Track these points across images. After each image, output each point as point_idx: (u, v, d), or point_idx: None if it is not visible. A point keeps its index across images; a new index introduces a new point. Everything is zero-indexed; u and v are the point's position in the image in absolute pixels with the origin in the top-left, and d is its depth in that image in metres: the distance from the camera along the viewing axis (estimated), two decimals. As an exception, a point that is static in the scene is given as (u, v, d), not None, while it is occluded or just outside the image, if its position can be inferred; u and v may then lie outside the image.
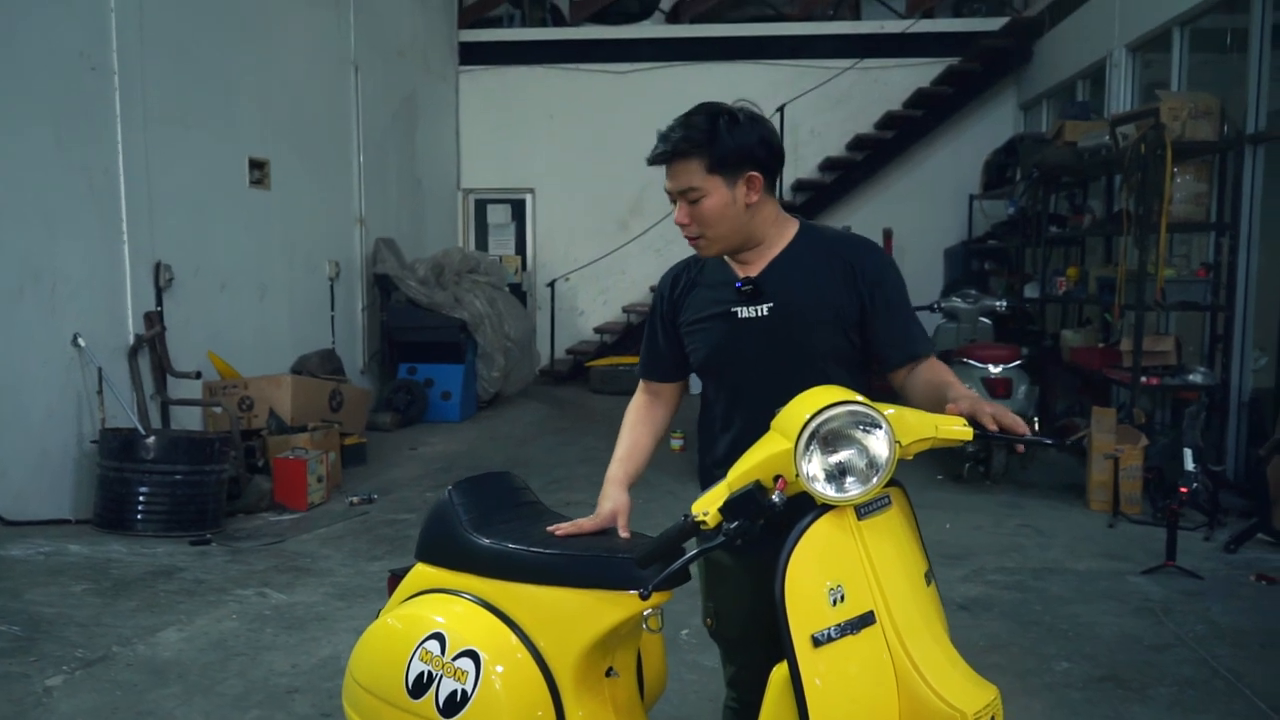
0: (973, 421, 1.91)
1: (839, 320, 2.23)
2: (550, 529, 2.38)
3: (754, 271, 2.26)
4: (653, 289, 7.20)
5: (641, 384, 2.55)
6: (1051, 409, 8.24)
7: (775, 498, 1.82)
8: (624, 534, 2.34)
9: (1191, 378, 6.52)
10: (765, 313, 2.23)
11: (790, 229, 2.29)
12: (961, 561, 5.30)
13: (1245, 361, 6.62)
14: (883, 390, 2.19)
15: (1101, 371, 7.13)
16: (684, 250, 2.44)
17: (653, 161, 2.23)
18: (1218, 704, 3.66)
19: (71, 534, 5.59)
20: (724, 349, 2.28)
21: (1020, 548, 5.58)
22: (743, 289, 2.23)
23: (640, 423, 2.52)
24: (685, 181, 2.17)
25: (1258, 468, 5.79)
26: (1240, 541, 5.44)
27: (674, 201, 2.24)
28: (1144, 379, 6.48)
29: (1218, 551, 5.42)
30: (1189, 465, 5.66)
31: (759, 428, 1.95)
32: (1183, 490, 5.30)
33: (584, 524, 2.37)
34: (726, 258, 2.32)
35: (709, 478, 2.23)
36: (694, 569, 2.41)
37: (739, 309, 2.25)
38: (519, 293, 11.80)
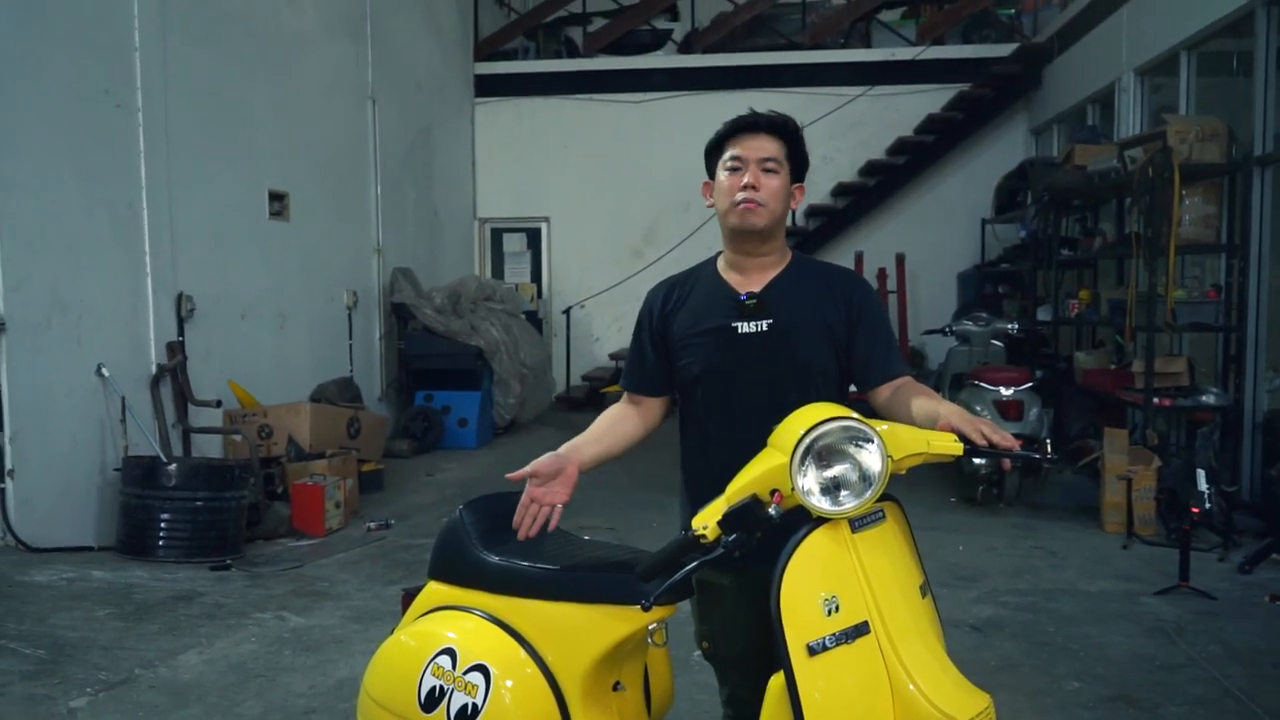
0: (963, 437, 1.96)
1: (831, 341, 2.33)
2: (508, 476, 2.36)
3: (755, 287, 2.34)
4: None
5: (625, 396, 2.57)
6: (1065, 431, 8.24)
7: (772, 510, 1.88)
8: (558, 500, 2.34)
9: (1204, 399, 6.52)
10: (765, 329, 2.30)
11: (788, 255, 2.42)
12: (974, 583, 5.31)
13: (1258, 382, 6.61)
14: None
15: (1114, 393, 7.13)
16: None
17: (747, 122, 2.32)
18: (1228, 723, 3.67)
19: (95, 560, 5.69)
20: (722, 363, 2.33)
21: (1033, 569, 5.58)
22: (747, 303, 2.31)
23: (621, 420, 2.51)
24: (769, 152, 2.29)
25: (1272, 488, 5.79)
26: (1255, 562, 5.42)
27: (730, 172, 2.31)
28: (1156, 400, 6.49)
29: (1232, 572, 5.40)
30: (1202, 486, 5.67)
31: (754, 443, 2.00)
32: (1194, 510, 5.31)
33: (537, 464, 2.35)
34: (724, 273, 2.40)
35: (699, 493, 2.21)
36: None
37: (739, 324, 2.31)
38: (534, 320, 11.91)
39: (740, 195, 2.27)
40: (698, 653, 4.24)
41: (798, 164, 2.34)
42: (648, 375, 2.49)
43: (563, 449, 2.40)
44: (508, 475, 2.38)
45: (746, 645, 2.29)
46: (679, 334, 2.39)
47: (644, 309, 2.50)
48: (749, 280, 2.35)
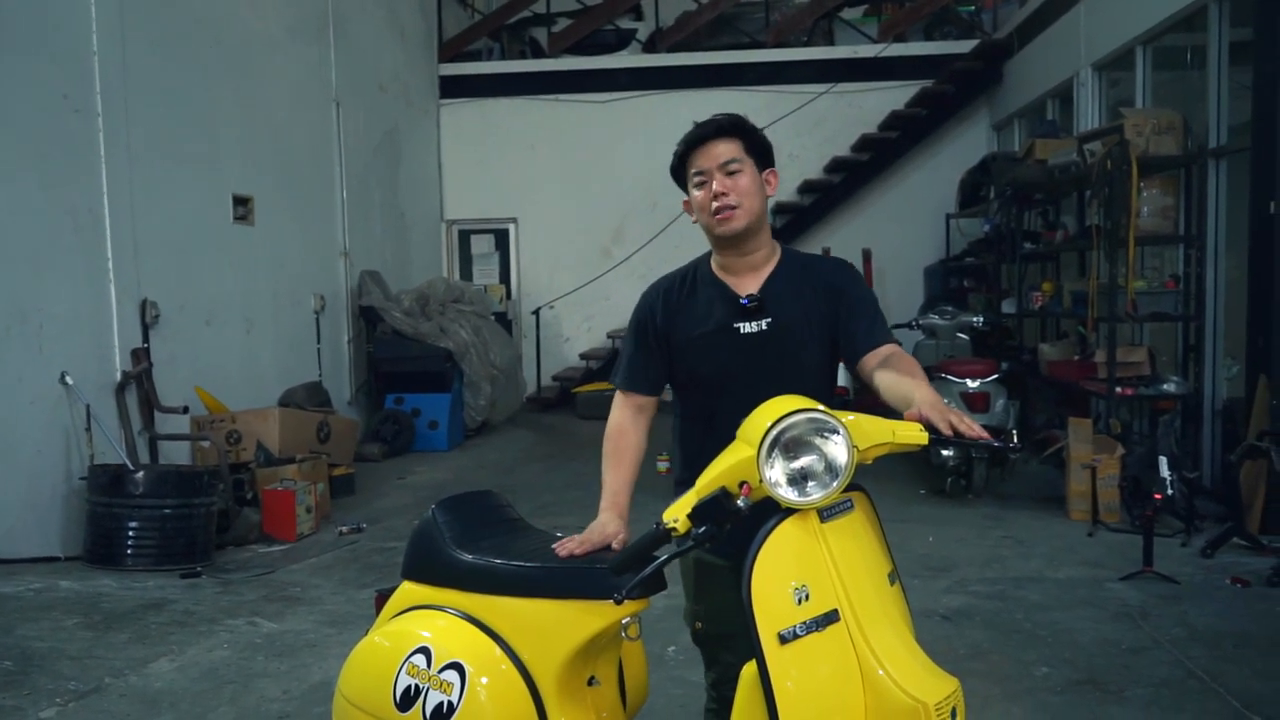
0: (929, 427, 1.99)
1: (824, 334, 2.43)
2: (555, 547, 2.42)
3: (751, 288, 2.43)
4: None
5: (622, 398, 2.61)
6: (1031, 421, 8.35)
7: (740, 503, 1.91)
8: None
9: (1165, 387, 6.62)
10: (765, 328, 2.40)
11: (777, 251, 2.50)
12: (944, 573, 5.37)
13: (1217, 370, 6.74)
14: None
15: (1078, 383, 7.23)
16: (658, 275, 2.54)
17: (696, 136, 2.40)
18: (1193, 703, 3.74)
19: (61, 570, 5.62)
20: (726, 362, 2.42)
21: (1001, 558, 5.66)
22: (749, 305, 2.40)
23: (628, 434, 2.57)
24: (728, 154, 2.37)
25: (1231, 473, 5.89)
26: (1216, 546, 5.52)
27: (698, 187, 2.40)
28: (1119, 390, 6.59)
29: (1194, 556, 5.51)
30: (1164, 473, 5.77)
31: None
32: (1157, 496, 5.40)
33: (586, 540, 2.41)
34: (720, 275, 2.48)
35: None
36: (680, 576, 2.49)
37: (741, 325, 2.41)
38: (504, 321, 11.89)
39: (714, 205, 2.36)
40: (672, 648, 4.30)
41: (761, 153, 2.42)
42: (649, 375, 2.56)
43: (602, 514, 2.48)
44: (555, 547, 2.42)
45: (740, 623, 2.31)
46: (683, 336, 2.46)
47: (643, 311, 2.56)
48: (744, 281, 2.44)
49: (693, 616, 2.50)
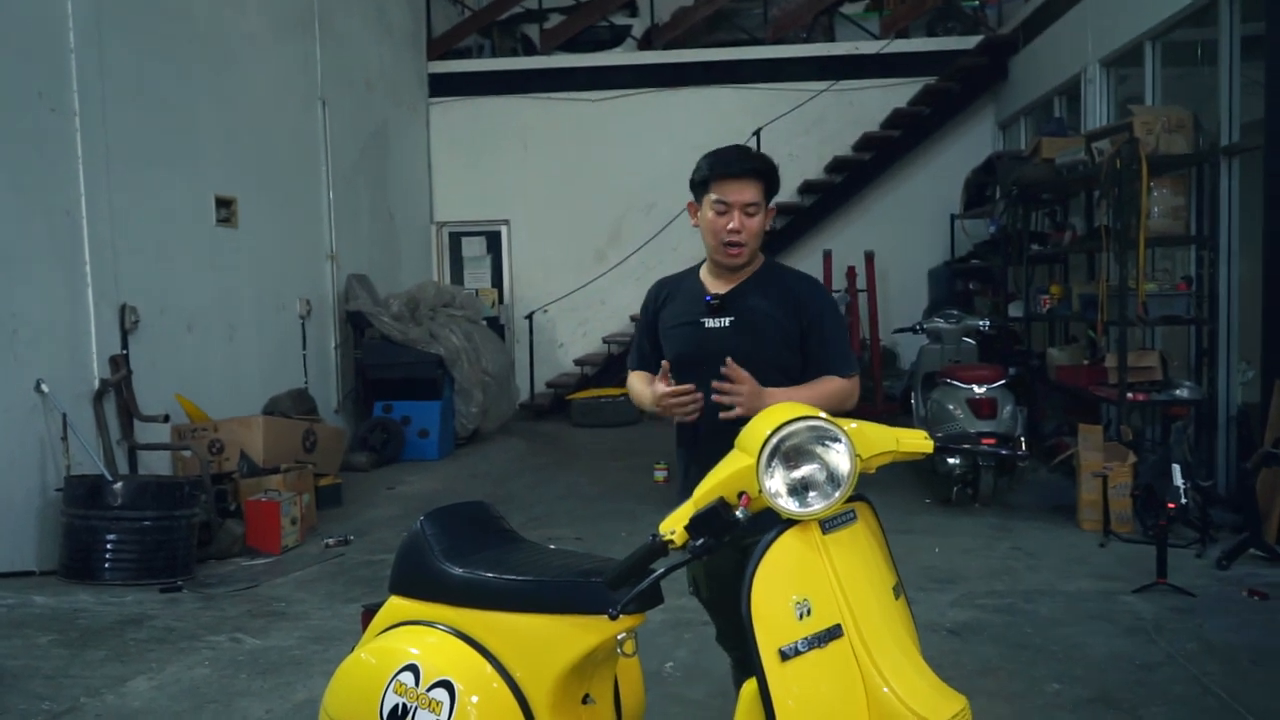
0: (933, 435, 1.95)
1: (784, 337, 2.69)
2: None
3: (723, 290, 2.73)
4: (634, 319, 7.08)
5: (633, 375, 2.94)
6: (1040, 428, 8.20)
7: (739, 514, 1.88)
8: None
9: (1178, 393, 6.49)
10: (727, 325, 2.69)
11: (759, 261, 2.77)
12: (951, 585, 5.24)
13: (1231, 374, 6.60)
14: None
15: (1088, 389, 7.10)
16: (660, 276, 2.91)
17: (730, 170, 2.63)
18: (1211, 721, 3.59)
19: (36, 585, 5.50)
20: (692, 352, 2.70)
21: (1010, 570, 5.52)
22: (711, 303, 2.70)
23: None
24: (752, 197, 2.64)
25: (1247, 482, 5.73)
26: (1232, 557, 5.38)
27: (717, 213, 2.64)
28: (1130, 395, 6.45)
29: (1209, 568, 5.37)
30: (1177, 481, 5.59)
31: (717, 421, 2.41)
32: (1170, 505, 5.24)
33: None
34: (704, 277, 2.79)
35: (686, 459, 2.71)
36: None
37: (706, 320, 2.71)
38: (496, 326, 11.74)
39: (726, 238, 2.64)
40: (669, 664, 4.16)
41: (773, 192, 2.70)
42: (647, 357, 2.89)
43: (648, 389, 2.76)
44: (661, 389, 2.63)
45: (720, 590, 2.59)
46: (663, 324, 2.82)
47: (645, 301, 2.94)
48: (721, 285, 2.74)
49: (688, 580, 2.72)
